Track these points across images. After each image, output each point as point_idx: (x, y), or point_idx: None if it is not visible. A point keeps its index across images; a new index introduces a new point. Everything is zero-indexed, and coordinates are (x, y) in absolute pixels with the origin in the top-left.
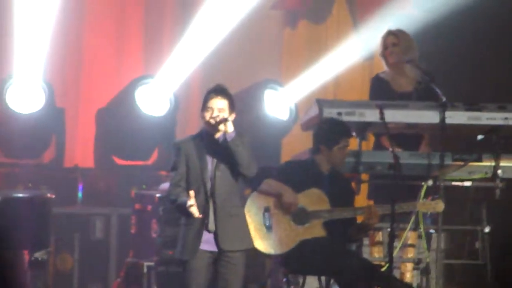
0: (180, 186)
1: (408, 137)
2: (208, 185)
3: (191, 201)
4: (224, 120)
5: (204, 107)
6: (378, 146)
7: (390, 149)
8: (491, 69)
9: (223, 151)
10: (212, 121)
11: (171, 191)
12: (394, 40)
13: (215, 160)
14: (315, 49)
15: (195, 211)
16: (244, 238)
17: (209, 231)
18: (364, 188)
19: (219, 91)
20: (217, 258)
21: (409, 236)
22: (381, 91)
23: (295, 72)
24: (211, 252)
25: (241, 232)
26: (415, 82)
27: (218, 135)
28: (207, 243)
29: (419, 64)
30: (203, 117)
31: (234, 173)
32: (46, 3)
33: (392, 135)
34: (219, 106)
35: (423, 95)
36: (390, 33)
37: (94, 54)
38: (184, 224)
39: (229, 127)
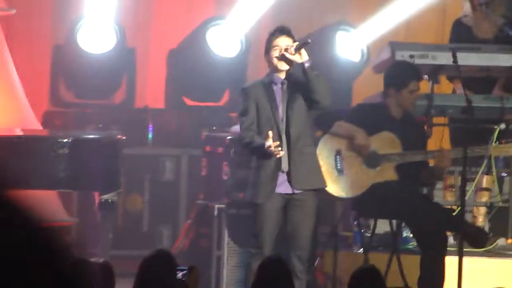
0: (252, 129)
1: (481, 80)
2: (281, 126)
3: (270, 141)
4: (305, 44)
5: (269, 47)
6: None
7: (461, 92)
8: None
9: (297, 84)
10: (289, 51)
11: (244, 134)
12: None
13: (285, 101)
14: None
15: (276, 150)
16: (317, 177)
17: (282, 171)
18: (438, 131)
19: (283, 30)
20: (289, 201)
21: (484, 180)
22: (462, 36)
23: (366, 14)
24: (283, 195)
25: (314, 171)
26: (497, 29)
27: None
28: (280, 185)
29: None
30: (270, 58)
31: (308, 106)
32: None
33: (464, 78)
34: (286, 44)
35: (503, 43)
36: None
37: None
38: (256, 167)
39: (305, 55)
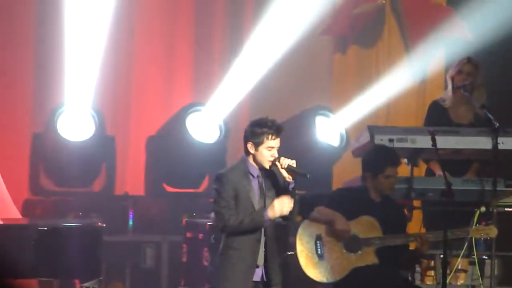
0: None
1: (456, 162)
2: None
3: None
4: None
5: (261, 142)
6: (430, 172)
7: (440, 174)
8: None
9: (273, 186)
10: (283, 165)
11: (230, 214)
12: (471, 70)
13: (262, 195)
14: (366, 74)
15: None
16: (280, 271)
17: (257, 266)
18: (418, 215)
19: (280, 131)
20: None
21: (460, 261)
22: (438, 118)
23: (346, 98)
24: (255, 281)
25: (279, 265)
26: (473, 115)
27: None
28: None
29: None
30: (260, 155)
31: None
32: (96, 32)
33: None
34: (278, 146)
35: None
36: (470, 61)
37: (144, 81)
38: (228, 259)
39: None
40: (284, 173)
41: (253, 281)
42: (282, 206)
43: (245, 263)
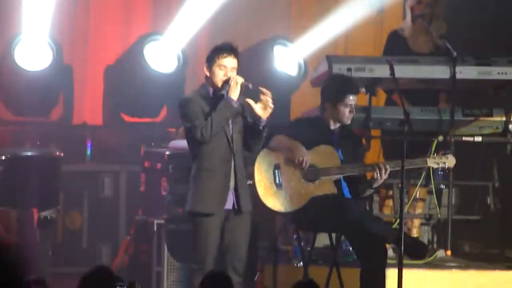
0: None
1: (424, 94)
2: (230, 140)
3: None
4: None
5: (213, 63)
6: (390, 103)
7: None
8: (502, 23)
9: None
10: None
11: (203, 122)
12: (431, 0)
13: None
14: (324, 3)
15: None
16: (250, 199)
17: (230, 189)
18: (376, 144)
19: (232, 50)
20: (228, 215)
21: (418, 191)
22: (397, 48)
23: (305, 28)
24: (226, 210)
25: (249, 193)
26: (433, 45)
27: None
28: (226, 202)
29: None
30: (213, 75)
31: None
32: None
33: (407, 92)
34: (232, 66)
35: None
36: None
37: (102, 10)
38: (201, 179)
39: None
40: (260, 112)
41: (226, 210)
42: (235, 80)
43: (219, 184)
